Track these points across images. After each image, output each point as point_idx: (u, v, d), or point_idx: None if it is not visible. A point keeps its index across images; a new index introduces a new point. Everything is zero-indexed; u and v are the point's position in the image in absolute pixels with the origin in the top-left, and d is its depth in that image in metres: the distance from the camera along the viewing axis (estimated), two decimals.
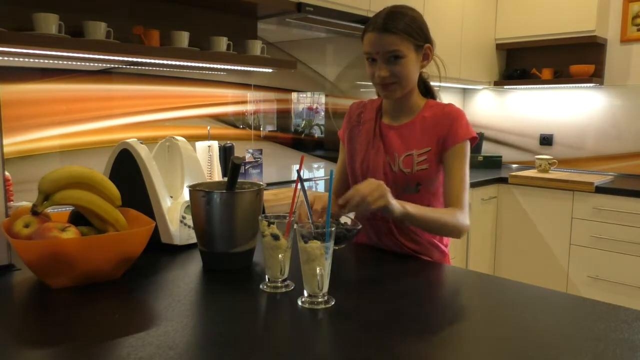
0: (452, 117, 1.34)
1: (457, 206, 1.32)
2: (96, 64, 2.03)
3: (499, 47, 3.70)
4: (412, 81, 1.35)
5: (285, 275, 1.07)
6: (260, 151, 2.54)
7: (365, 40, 1.32)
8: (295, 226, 1.00)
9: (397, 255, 1.38)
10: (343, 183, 1.54)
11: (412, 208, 1.24)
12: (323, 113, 3.05)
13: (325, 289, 0.97)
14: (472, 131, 1.35)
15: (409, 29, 1.28)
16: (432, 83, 1.49)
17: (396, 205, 1.20)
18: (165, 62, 2.07)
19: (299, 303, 0.98)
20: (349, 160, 1.50)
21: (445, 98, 3.96)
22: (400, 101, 1.39)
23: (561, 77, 3.56)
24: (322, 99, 3.04)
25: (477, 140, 1.38)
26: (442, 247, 1.44)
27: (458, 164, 1.33)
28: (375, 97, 1.51)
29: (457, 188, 1.32)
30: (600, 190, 2.97)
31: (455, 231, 1.32)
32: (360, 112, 1.49)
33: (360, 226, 1.30)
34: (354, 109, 1.52)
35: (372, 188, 1.16)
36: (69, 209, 1.23)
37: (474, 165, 3.77)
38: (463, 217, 1.31)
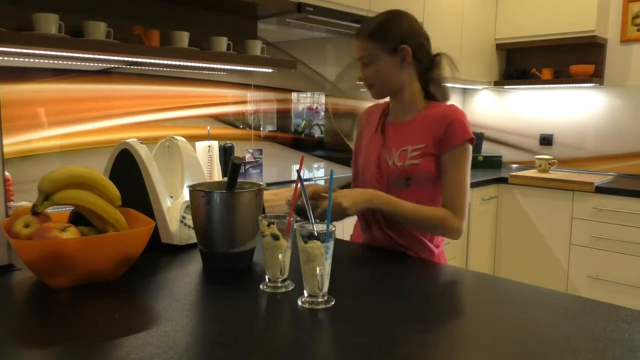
0: (451, 119, 1.35)
1: (450, 209, 1.35)
2: (96, 64, 2.03)
3: (499, 47, 3.70)
4: (391, 82, 1.39)
5: (285, 275, 1.07)
6: (260, 151, 2.54)
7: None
8: (295, 226, 1.00)
9: (397, 255, 1.38)
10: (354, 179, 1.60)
11: (383, 203, 1.31)
12: (323, 113, 3.05)
13: (325, 289, 0.97)
14: (470, 133, 1.36)
15: (376, 34, 1.35)
16: (449, 84, 1.47)
17: (360, 205, 1.28)
18: (165, 62, 2.07)
19: (299, 303, 0.98)
20: (355, 155, 1.57)
21: None
22: (397, 100, 1.44)
23: (561, 77, 3.56)
24: (322, 99, 3.04)
25: (475, 142, 1.38)
26: (431, 245, 1.44)
27: (456, 167, 1.35)
28: None
29: (453, 192, 1.35)
30: (600, 190, 2.97)
31: (444, 232, 1.36)
32: (369, 115, 1.55)
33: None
34: (364, 115, 1.58)
35: (334, 207, 1.25)
36: (69, 209, 1.23)
37: (474, 165, 3.77)
38: (454, 220, 1.34)
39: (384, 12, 1.40)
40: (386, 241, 1.43)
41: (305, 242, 0.94)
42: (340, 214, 1.27)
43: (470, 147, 1.37)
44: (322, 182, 2.93)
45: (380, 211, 1.33)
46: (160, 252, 1.32)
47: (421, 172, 1.36)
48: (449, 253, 2.98)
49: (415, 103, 1.42)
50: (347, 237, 1.69)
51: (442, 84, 1.44)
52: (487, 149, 4.01)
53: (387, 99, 1.49)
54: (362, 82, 1.43)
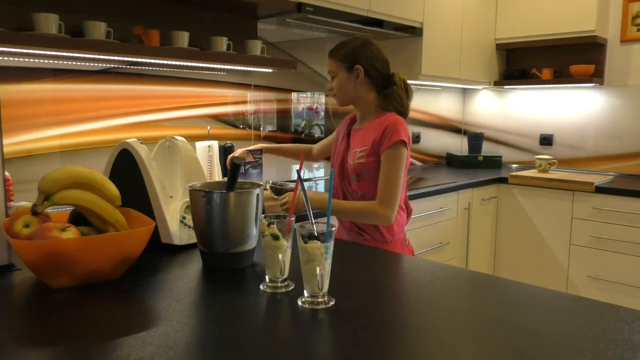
0: (386, 125, 1.63)
1: (379, 198, 1.62)
2: (96, 64, 2.03)
3: (499, 47, 3.70)
4: (348, 93, 1.73)
5: (285, 275, 1.07)
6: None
7: None
8: (295, 226, 1.00)
9: (397, 256, 1.38)
10: (320, 149, 2.10)
11: (322, 206, 1.62)
12: (323, 113, 3.05)
13: (325, 289, 0.98)
14: (401, 135, 1.61)
15: (341, 56, 1.70)
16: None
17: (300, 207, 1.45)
18: (165, 62, 2.07)
19: (299, 303, 0.98)
20: (332, 151, 1.90)
21: (445, 98, 3.99)
22: (358, 109, 1.77)
23: (561, 77, 3.56)
24: (322, 99, 3.04)
25: (407, 144, 1.62)
26: (384, 231, 1.69)
27: (389, 164, 1.62)
28: None
29: (384, 184, 1.62)
30: (600, 190, 2.97)
31: (373, 220, 1.64)
32: (345, 120, 1.89)
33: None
34: (346, 118, 1.92)
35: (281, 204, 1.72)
36: (69, 209, 1.23)
37: (474, 165, 3.77)
38: (381, 208, 1.61)
39: (353, 38, 1.73)
40: (348, 224, 1.74)
41: (305, 242, 0.95)
42: (287, 208, 1.67)
43: (403, 148, 1.62)
44: (322, 182, 2.93)
45: (325, 210, 1.58)
46: (160, 252, 1.32)
47: (366, 169, 1.66)
48: (448, 253, 3.00)
49: (369, 113, 1.73)
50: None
51: (399, 98, 1.72)
52: (487, 149, 4.01)
53: None
54: (331, 91, 1.77)
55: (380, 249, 1.48)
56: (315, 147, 2.12)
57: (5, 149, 1.79)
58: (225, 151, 2.23)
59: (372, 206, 1.62)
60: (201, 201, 1.17)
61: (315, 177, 3.05)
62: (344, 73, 1.70)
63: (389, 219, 1.62)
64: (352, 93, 1.72)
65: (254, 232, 1.21)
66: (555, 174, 3.32)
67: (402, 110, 1.72)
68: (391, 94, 1.71)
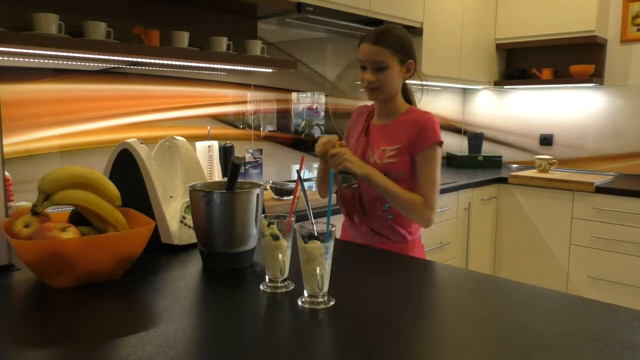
0: (423, 124, 1.53)
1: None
2: (96, 64, 2.03)
3: (499, 47, 3.70)
4: (393, 89, 1.56)
5: (285, 275, 1.07)
6: (260, 151, 2.54)
7: (360, 49, 1.55)
8: (295, 226, 1.00)
9: (397, 256, 1.38)
10: (323, 172, 1.72)
11: (375, 176, 1.48)
12: (323, 113, 3.05)
13: (325, 289, 0.98)
14: (438, 137, 1.53)
15: (396, 45, 1.52)
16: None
17: (359, 168, 1.45)
18: (165, 62, 2.07)
19: (299, 303, 0.98)
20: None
21: (445, 98, 3.99)
22: (385, 104, 1.61)
23: (561, 77, 3.56)
24: (322, 99, 3.04)
25: (443, 144, 1.55)
26: (403, 232, 1.59)
27: (427, 165, 1.53)
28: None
29: (425, 187, 1.52)
30: (600, 190, 2.97)
31: (417, 215, 1.53)
32: (360, 113, 1.73)
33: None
34: (356, 111, 1.76)
35: (335, 153, 1.47)
36: (69, 209, 1.23)
37: (474, 165, 3.77)
38: (426, 208, 1.51)
39: (391, 26, 1.57)
40: (363, 228, 1.61)
41: (305, 242, 0.95)
42: (339, 163, 1.44)
43: (440, 149, 1.54)
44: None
45: (371, 181, 1.48)
46: (160, 252, 1.32)
47: (397, 170, 1.53)
48: (448, 253, 3.00)
49: (396, 109, 1.60)
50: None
51: (413, 95, 1.66)
52: (487, 149, 4.01)
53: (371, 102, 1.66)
54: (363, 83, 1.56)
55: (385, 250, 1.47)
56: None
57: (5, 149, 1.79)
58: (225, 151, 2.23)
59: (420, 202, 1.51)
60: (201, 201, 1.17)
61: (315, 177, 3.04)
62: (397, 66, 1.53)
63: (430, 221, 1.54)
64: (396, 88, 1.57)
65: (254, 232, 1.21)
66: (555, 174, 3.32)
67: (415, 103, 1.65)
68: (409, 90, 1.65)
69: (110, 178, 1.31)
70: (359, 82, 1.58)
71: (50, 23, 1.67)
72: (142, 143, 1.39)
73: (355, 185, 1.53)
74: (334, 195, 1.70)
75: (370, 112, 1.69)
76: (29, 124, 1.87)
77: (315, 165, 3.06)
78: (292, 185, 2.39)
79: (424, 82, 1.67)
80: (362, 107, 1.75)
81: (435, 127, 1.53)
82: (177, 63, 2.13)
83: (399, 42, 1.52)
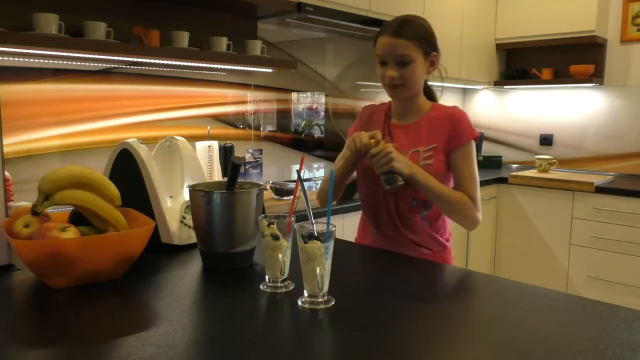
0: (458, 119, 1.43)
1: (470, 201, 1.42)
2: (96, 64, 2.03)
3: (499, 47, 3.70)
4: (418, 84, 1.44)
5: (285, 275, 1.07)
6: (260, 151, 2.54)
7: (378, 44, 1.41)
8: (295, 226, 1.00)
9: (397, 255, 1.38)
10: (345, 174, 1.51)
11: (421, 175, 1.36)
12: (323, 113, 3.05)
13: (325, 289, 0.97)
14: (475, 131, 1.44)
15: (420, 37, 1.39)
16: (434, 83, 1.56)
17: (407, 167, 1.33)
18: (165, 62, 2.07)
19: (299, 303, 0.98)
20: None
21: (445, 98, 3.98)
22: (407, 103, 1.48)
23: (561, 77, 3.56)
24: (322, 99, 3.04)
25: (478, 139, 1.47)
26: (442, 240, 1.50)
27: (468, 162, 1.43)
28: (379, 98, 1.56)
29: (469, 185, 1.42)
30: (600, 190, 2.97)
31: (465, 217, 1.41)
32: (372, 112, 1.57)
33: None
34: (366, 111, 1.60)
35: (378, 152, 1.33)
36: (69, 209, 1.23)
37: None
38: (474, 210, 1.41)
39: (412, 16, 1.44)
40: (400, 239, 1.47)
41: (305, 242, 0.94)
42: (386, 163, 1.31)
43: (474, 144, 1.45)
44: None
45: (415, 181, 1.36)
46: (160, 252, 1.31)
47: (434, 171, 1.41)
48: None
49: (422, 105, 1.49)
50: (347, 238, 1.69)
51: (430, 86, 1.54)
52: (487, 149, 4.01)
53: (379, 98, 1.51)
54: (384, 80, 1.41)
55: (376, 249, 1.46)
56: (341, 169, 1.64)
57: (5, 149, 1.79)
58: (225, 151, 2.23)
59: (469, 202, 1.40)
60: (201, 201, 1.17)
61: (315, 177, 3.05)
62: (421, 59, 1.40)
63: (477, 222, 1.43)
64: (420, 84, 1.45)
65: (254, 232, 1.21)
66: (555, 174, 3.32)
67: (437, 99, 1.55)
68: (429, 85, 1.54)
69: (110, 178, 1.31)
70: (380, 80, 1.45)
71: (50, 23, 1.67)
72: (142, 143, 1.39)
73: (402, 183, 1.36)
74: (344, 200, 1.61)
75: (386, 111, 1.54)
76: (29, 124, 1.87)
77: (316, 165, 3.06)
78: (292, 185, 2.39)
79: (444, 77, 1.54)
80: (371, 106, 1.60)
81: (469, 121, 1.44)
82: (177, 63, 2.13)
83: (422, 33, 1.39)
